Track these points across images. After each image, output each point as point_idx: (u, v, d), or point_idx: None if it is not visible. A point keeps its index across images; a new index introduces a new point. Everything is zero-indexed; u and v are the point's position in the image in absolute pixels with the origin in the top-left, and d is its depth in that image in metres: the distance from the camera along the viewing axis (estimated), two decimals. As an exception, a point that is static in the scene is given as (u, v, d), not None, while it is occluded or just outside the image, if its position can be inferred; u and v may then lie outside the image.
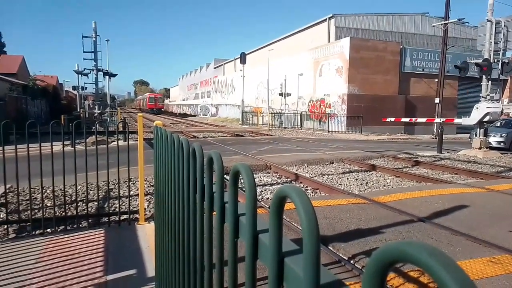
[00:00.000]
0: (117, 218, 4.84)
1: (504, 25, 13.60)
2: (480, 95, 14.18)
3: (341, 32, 32.20)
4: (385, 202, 5.96)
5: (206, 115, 59.55)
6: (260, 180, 8.33)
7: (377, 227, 4.81)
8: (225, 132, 23.44)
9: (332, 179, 8.68)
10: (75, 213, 4.68)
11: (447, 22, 24.35)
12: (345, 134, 24.93)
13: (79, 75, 21.21)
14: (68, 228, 4.61)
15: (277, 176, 8.82)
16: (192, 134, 20.76)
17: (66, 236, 4.29)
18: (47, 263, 3.54)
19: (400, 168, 10.36)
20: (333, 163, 10.85)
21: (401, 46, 30.43)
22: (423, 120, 18.91)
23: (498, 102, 14.45)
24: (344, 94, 28.20)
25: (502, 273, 3.47)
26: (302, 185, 7.90)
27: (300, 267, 0.58)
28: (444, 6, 24.45)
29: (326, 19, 33.28)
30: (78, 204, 5.10)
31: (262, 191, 7.37)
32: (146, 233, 4.41)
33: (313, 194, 7.30)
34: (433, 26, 27.60)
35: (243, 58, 34.45)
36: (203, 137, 19.17)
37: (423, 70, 30.78)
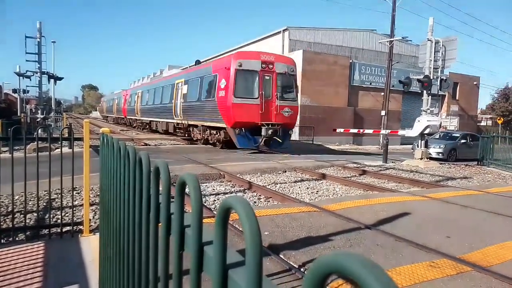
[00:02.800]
0: (59, 230, 4.54)
1: (443, 45, 14.72)
2: (421, 108, 15.17)
3: (294, 44, 33.05)
4: (334, 210, 6.14)
5: (159, 122, 58.03)
6: (214, 189, 8.25)
7: (326, 235, 4.93)
8: (178, 140, 23.00)
9: (284, 187, 8.80)
10: (11, 225, 4.33)
11: (392, 39, 25.92)
12: (297, 144, 25.46)
13: (21, 78, 19.87)
14: (2, 241, 4.25)
15: (231, 185, 8.79)
16: (143, 141, 20.13)
17: (0, 250, 3.96)
18: (-24, 281, 3.23)
19: (348, 177, 10.76)
20: (285, 172, 11.03)
21: (351, 61, 31.92)
22: (370, 131, 19.87)
23: (437, 116, 15.55)
24: (297, 105, 28.89)
25: (440, 276, 3.69)
26: (255, 194, 7.94)
27: (244, 279, 0.57)
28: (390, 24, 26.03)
29: (280, 31, 34.05)
30: (15, 216, 4.73)
31: (216, 200, 7.29)
32: (91, 245, 4.18)
33: (266, 202, 7.35)
34: (379, 42, 29.26)
35: (198, 65, 34.15)
36: (155, 145, 18.67)
37: (370, 84, 32.44)
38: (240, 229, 4.98)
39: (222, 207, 0.66)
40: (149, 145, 18.64)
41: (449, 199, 7.55)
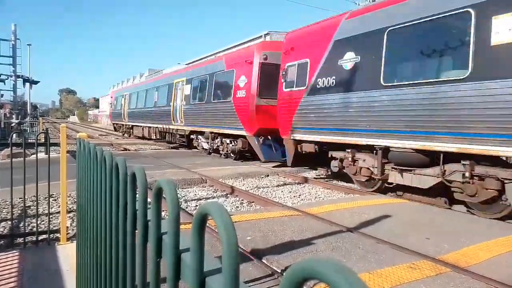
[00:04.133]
0: (34, 239, 4.40)
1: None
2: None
3: (276, 49, 33.24)
4: (317, 214, 6.17)
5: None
6: (196, 194, 8.17)
7: (309, 238, 4.95)
8: (159, 145, 22.75)
9: (267, 191, 8.81)
10: (-17, 235, 4.17)
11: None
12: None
13: (-5, 81, 19.29)
14: (-27, 251, 4.08)
15: (213, 190, 8.73)
16: (122, 146, 19.81)
17: (-29, 261, 3.80)
18: None
19: (330, 180, 10.85)
20: (268, 176, 11.04)
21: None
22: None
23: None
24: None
25: (420, 277, 3.75)
26: (238, 198, 7.90)
27: (220, 287, 0.56)
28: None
29: (262, 36, 34.22)
30: (-12, 224, 4.56)
31: (197, 206, 7.22)
32: (68, 253, 4.06)
33: (248, 207, 7.33)
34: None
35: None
36: (135, 150, 18.39)
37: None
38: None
39: (198, 214, 0.64)
40: (129, 150, 18.35)
41: (431, 201, 7.70)
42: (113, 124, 33.76)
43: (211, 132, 14.89)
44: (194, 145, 17.05)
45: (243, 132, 12.66)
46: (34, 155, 4.53)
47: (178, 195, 6.92)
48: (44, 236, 4.43)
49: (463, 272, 3.91)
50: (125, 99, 28.43)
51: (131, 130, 27.69)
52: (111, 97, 33.73)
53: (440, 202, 7.36)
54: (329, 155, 9.55)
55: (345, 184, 10.23)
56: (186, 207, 7.05)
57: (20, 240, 4.42)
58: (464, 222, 6.04)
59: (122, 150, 18.09)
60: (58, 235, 4.54)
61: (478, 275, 3.80)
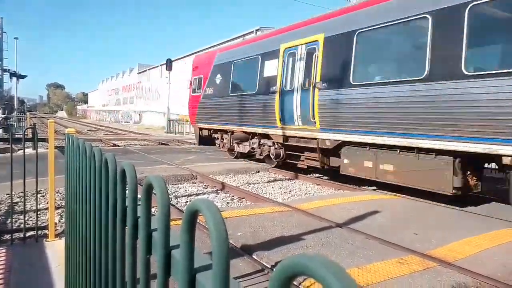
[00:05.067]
0: (22, 235, 4.35)
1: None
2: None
3: (267, 45, 33.13)
4: (307, 210, 6.21)
5: (129, 122, 56.88)
6: (186, 191, 8.15)
7: (299, 234, 4.98)
8: (149, 140, 22.61)
9: (258, 187, 8.82)
10: (-31, 231, 4.10)
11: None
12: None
13: (-20, 75, 18.90)
14: (-41, 248, 4.01)
15: (203, 186, 8.72)
16: (112, 142, 19.64)
17: (-43, 258, 3.74)
18: None
19: (320, 176, 10.91)
20: (259, 172, 11.05)
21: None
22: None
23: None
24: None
25: (408, 272, 3.81)
26: (228, 194, 7.91)
27: (211, 284, 0.56)
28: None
29: (253, 31, 34.11)
30: (-26, 221, 4.49)
31: (187, 202, 7.21)
32: (56, 250, 4.02)
33: (239, 203, 7.34)
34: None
35: (169, 64, 33.72)
36: (124, 146, 18.24)
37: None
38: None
39: (188, 210, 0.64)
40: (119, 146, 18.20)
41: (418, 197, 7.81)
42: (201, 128, 15.11)
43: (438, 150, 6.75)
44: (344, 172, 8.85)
45: None
46: (21, 151, 4.46)
47: (169, 191, 6.85)
48: (32, 233, 4.38)
49: (450, 266, 3.97)
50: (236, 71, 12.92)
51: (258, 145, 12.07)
52: (194, 69, 15.57)
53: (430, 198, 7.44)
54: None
55: (335, 180, 10.30)
56: (177, 203, 7.03)
57: (7, 236, 4.36)
58: (452, 218, 6.14)
59: (112, 146, 17.93)
60: (46, 231, 4.50)
61: (465, 269, 3.87)
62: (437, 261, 4.12)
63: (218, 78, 13.53)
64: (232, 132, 12.75)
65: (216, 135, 14.25)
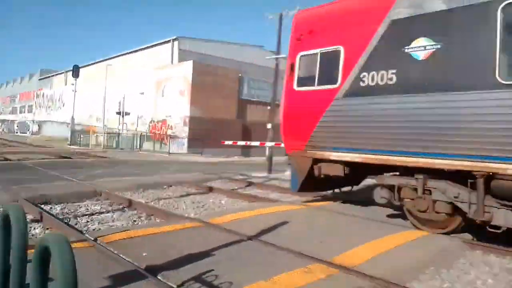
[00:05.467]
0: None
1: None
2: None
3: (184, 54, 32.76)
4: (219, 224, 6.12)
5: (25, 133, 51.26)
6: (87, 209, 7.47)
7: (210, 250, 4.85)
8: (49, 154, 20.53)
9: (169, 203, 8.48)
10: None
11: (278, 56, 27.65)
12: (187, 156, 25.15)
13: None
14: None
15: (108, 203, 8.08)
16: (3, 156, 17.37)
17: None
18: None
19: (235, 189, 10.94)
20: (171, 186, 10.67)
21: (240, 74, 33.01)
22: (257, 143, 20.71)
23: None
24: (186, 116, 28.66)
25: (312, 281, 3.93)
26: (135, 212, 7.44)
27: None
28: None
29: (170, 40, 33.47)
30: None
31: (88, 221, 6.60)
32: None
33: (147, 221, 6.95)
34: (266, 58, 30.96)
35: (75, 71, 31.27)
36: (19, 160, 16.25)
37: (258, 98, 33.99)
38: (115, 252, 4.59)
39: (39, 246, 0.51)
40: (11, 160, 16.15)
41: (325, 206, 8.23)
42: (320, 160, 7.62)
43: None
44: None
45: None
46: None
47: (66, 210, 6.24)
48: None
49: (349, 272, 4.21)
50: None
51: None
52: (302, 36, 7.90)
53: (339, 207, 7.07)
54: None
55: (249, 192, 10.40)
56: (76, 224, 6.38)
57: None
58: (356, 225, 6.55)
59: (3, 160, 15.82)
60: None
61: (362, 273, 4.13)
62: (338, 267, 4.33)
63: (421, 49, 5.96)
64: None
65: (386, 182, 6.77)
